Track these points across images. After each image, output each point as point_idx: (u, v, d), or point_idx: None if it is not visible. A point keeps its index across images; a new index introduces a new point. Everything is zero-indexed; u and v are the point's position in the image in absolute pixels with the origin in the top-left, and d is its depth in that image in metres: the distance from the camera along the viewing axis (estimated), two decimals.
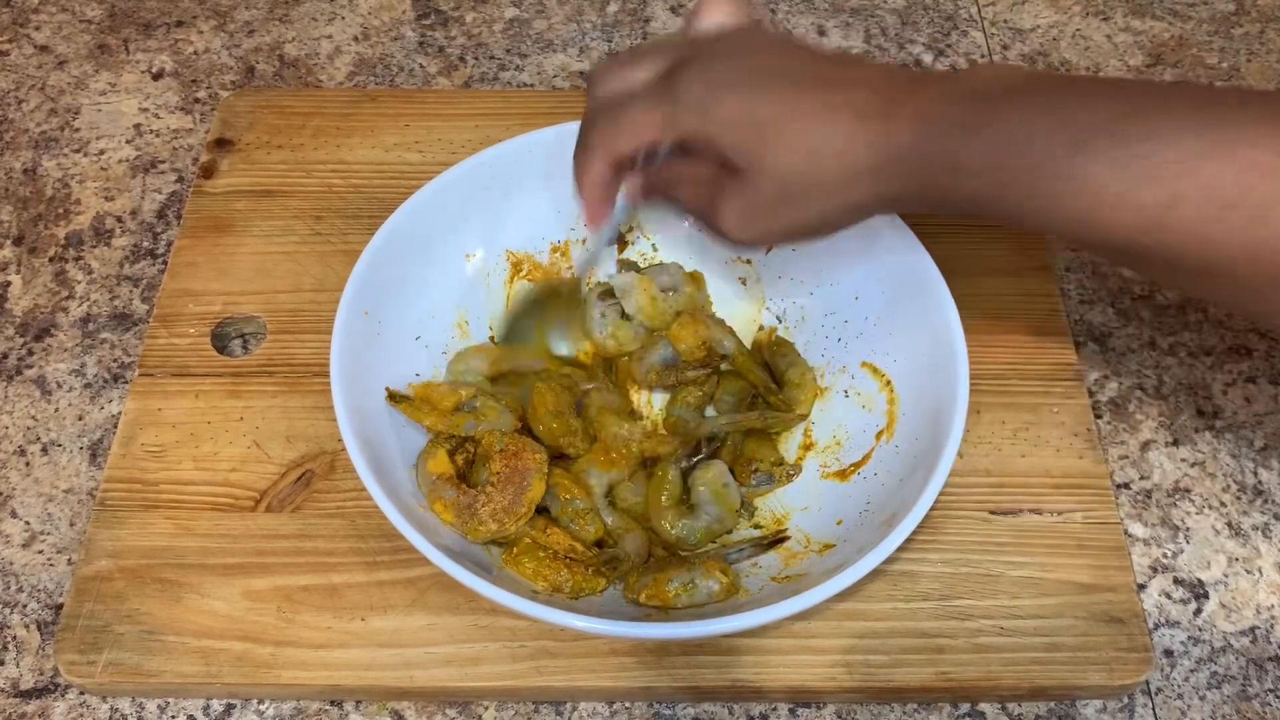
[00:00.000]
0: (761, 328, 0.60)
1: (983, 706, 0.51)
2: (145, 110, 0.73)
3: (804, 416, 0.57)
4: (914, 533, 0.46)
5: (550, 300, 0.59)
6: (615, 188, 0.51)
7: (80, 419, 0.60)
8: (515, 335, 0.59)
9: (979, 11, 0.78)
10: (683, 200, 0.51)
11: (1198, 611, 0.54)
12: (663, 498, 0.54)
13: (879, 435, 0.54)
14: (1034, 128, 0.42)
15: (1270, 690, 0.52)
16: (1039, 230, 0.43)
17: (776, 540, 0.53)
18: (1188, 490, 0.57)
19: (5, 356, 0.62)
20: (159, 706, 0.51)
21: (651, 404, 0.59)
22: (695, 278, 0.61)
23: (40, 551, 0.56)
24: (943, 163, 0.43)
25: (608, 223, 0.53)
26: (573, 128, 0.58)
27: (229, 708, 0.51)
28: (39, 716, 0.51)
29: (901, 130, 0.44)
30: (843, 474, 0.54)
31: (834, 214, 0.47)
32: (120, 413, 0.58)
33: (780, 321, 0.60)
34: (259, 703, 0.51)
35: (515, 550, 0.51)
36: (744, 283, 0.61)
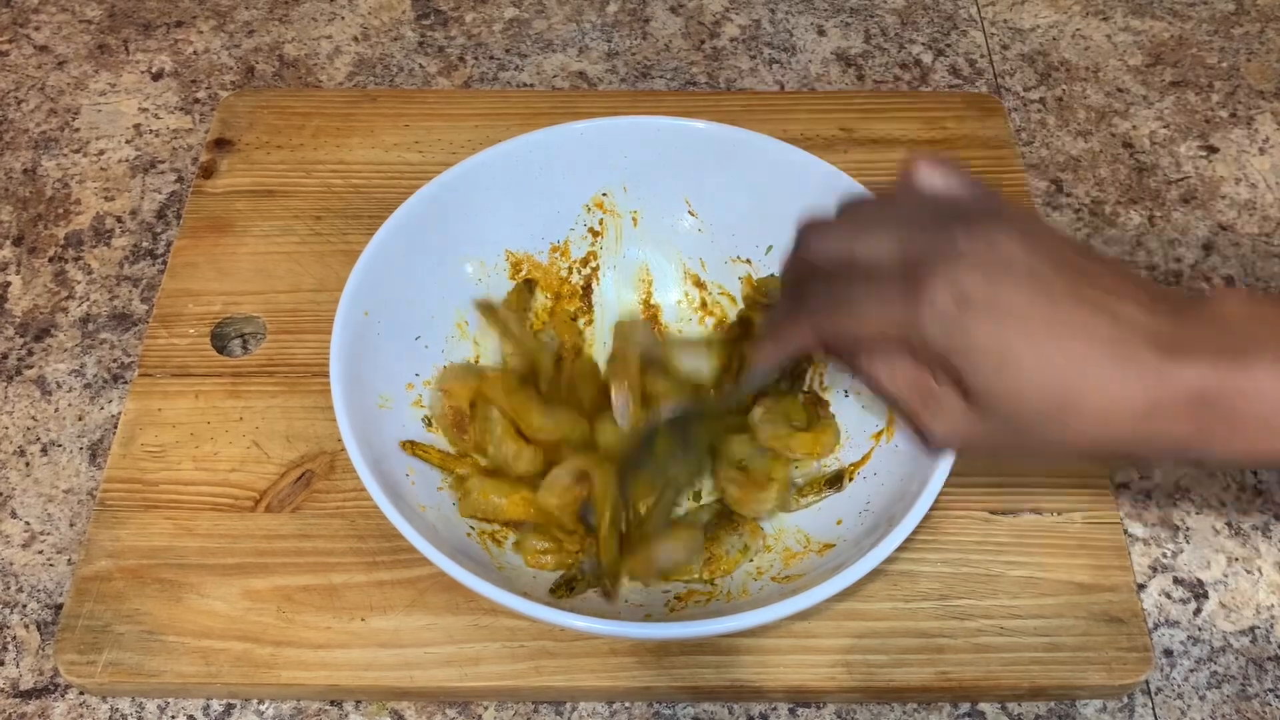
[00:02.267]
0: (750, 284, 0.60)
1: (983, 706, 0.51)
2: (145, 110, 0.73)
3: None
4: (914, 533, 0.46)
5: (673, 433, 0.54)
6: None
7: (80, 419, 0.60)
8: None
9: (979, 11, 0.78)
10: (887, 385, 0.44)
11: (1197, 611, 0.54)
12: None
13: (879, 435, 0.54)
14: None
15: (1270, 690, 0.52)
16: None
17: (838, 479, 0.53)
18: (1187, 490, 0.57)
19: (5, 356, 0.62)
20: (159, 706, 0.51)
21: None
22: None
23: (40, 552, 0.56)
24: (1226, 422, 0.39)
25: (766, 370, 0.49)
26: (574, 128, 0.59)
27: (229, 708, 0.51)
28: (39, 716, 0.51)
29: (1177, 391, 0.39)
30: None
31: (1064, 461, 0.44)
32: (120, 413, 0.58)
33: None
34: (259, 703, 0.51)
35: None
36: (744, 282, 0.61)
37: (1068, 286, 0.41)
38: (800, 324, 0.46)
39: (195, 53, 0.76)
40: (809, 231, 0.46)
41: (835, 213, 0.46)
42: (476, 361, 0.58)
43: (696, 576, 0.52)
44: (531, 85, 0.74)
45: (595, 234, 0.61)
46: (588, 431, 0.55)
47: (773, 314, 0.48)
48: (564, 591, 0.50)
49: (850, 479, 0.54)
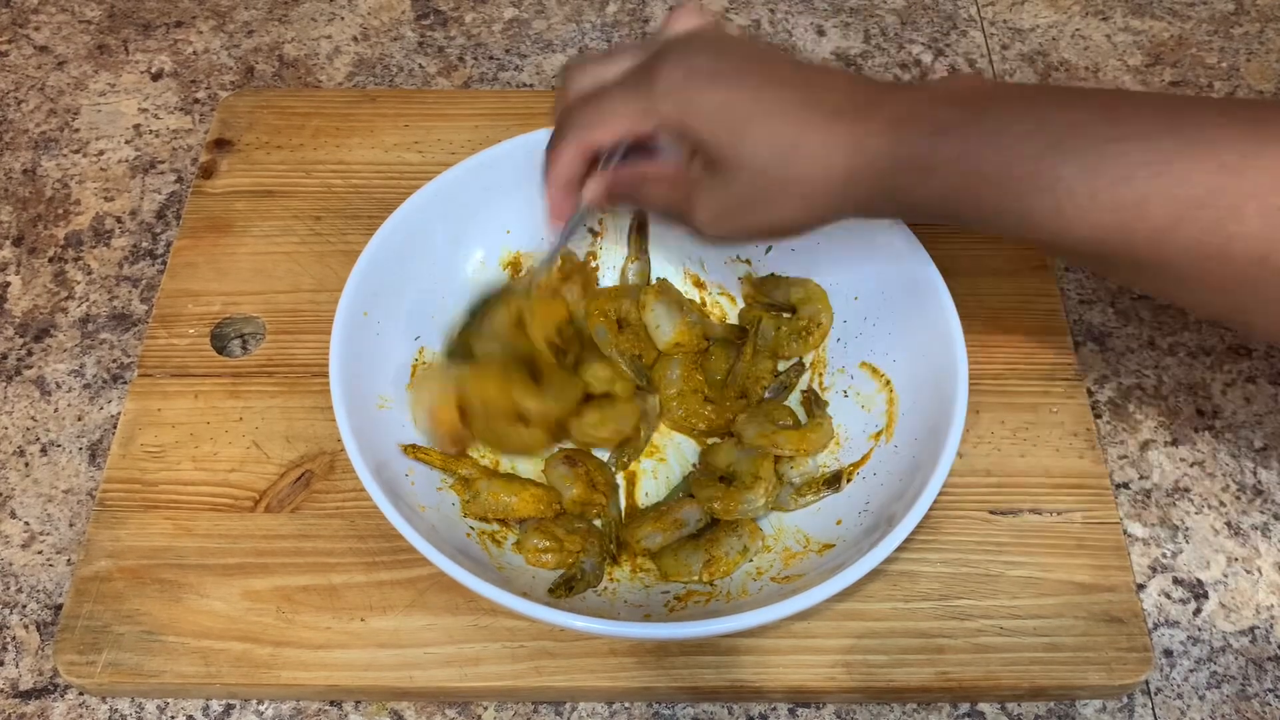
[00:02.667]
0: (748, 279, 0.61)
1: (982, 706, 0.51)
2: (145, 110, 0.73)
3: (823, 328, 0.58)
4: (914, 533, 0.46)
5: (501, 301, 0.56)
6: (581, 185, 0.51)
7: (80, 419, 0.60)
8: (460, 345, 0.56)
9: (979, 11, 0.78)
10: (652, 199, 0.50)
11: (1197, 611, 0.54)
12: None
13: (878, 435, 0.54)
14: (1007, 130, 0.42)
15: (1270, 690, 0.52)
16: (1008, 233, 0.44)
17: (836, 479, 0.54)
18: (1187, 490, 0.57)
19: (5, 357, 0.62)
20: (158, 707, 0.51)
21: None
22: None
23: (40, 552, 0.56)
24: (914, 164, 0.44)
25: (570, 222, 0.52)
26: None
27: (228, 708, 0.51)
28: (39, 717, 0.51)
29: (875, 132, 0.44)
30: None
31: (805, 215, 0.47)
32: (120, 413, 0.58)
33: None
34: (258, 703, 0.51)
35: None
36: (744, 283, 0.61)
37: (787, 68, 0.47)
38: (566, 145, 0.49)
39: (195, 53, 0.76)
40: (569, 69, 0.51)
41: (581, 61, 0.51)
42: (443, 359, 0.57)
43: (696, 578, 0.52)
44: (531, 85, 0.74)
45: (595, 234, 0.61)
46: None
47: (548, 154, 0.51)
48: (563, 591, 0.50)
49: (849, 479, 0.54)
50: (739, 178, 0.46)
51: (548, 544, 0.52)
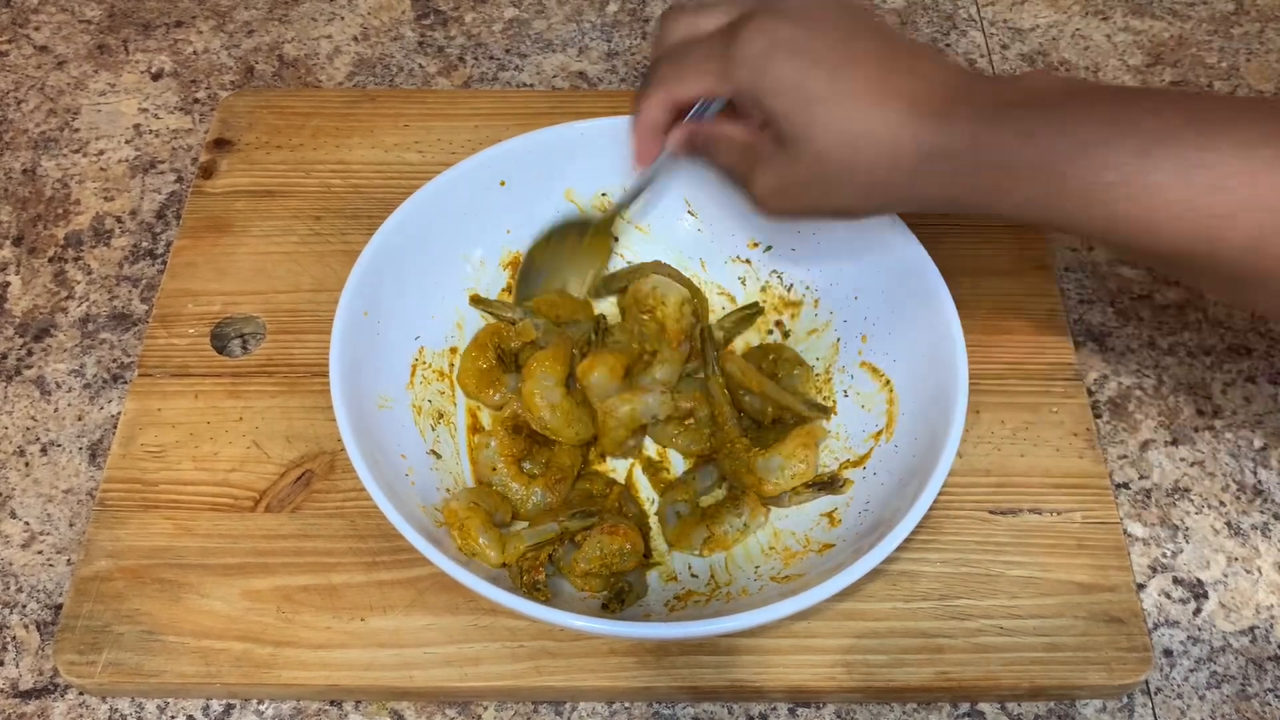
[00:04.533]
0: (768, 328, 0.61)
1: (982, 706, 0.51)
2: (145, 110, 0.73)
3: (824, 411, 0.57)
4: (914, 533, 0.46)
5: (570, 235, 0.60)
6: (665, 133, 0.51)
7: (80, 419, 0.60)
8: (531, 278, 0.59)
9: (978, 11, 0.78)
10: (720, 158, 0.50)
11: (1197, 611, 0.54)
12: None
13: (878, 435, 0.54)
14: (1097, 134, 0.41)
15: (1270, 690, 0.52)
16: (1090, 236, 0.44)
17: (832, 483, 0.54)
18: (1187, 490, 0.57)
19: (5, 356, 0.62)
20: (159, 707, 0.51)
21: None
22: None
23: (40, 552, 0.56)
24: (997, 167, 0.43)
25: (652, 166, 0.53)
26: (574, 127, 0.59)
27: (229, 708, 0.51)
28: (39, 716, 0.51)
29: (954, 133, 0.43)
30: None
31: (865, 204, 0.47)
32: (120, 413, 0.58)
33: (779, 325, 0.60)
34: (259, 703, 0.51)
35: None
36: (743, 282, 0.61)
37: (873, 51, 0.46)
38: (653, 94, 0.50)
39: (195, 53, 0.76)
40: (665, 18, 0.51)
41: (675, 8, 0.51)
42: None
43: (696, 552, 0.52)
44: (531, 85, 0.74)
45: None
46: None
47: (637, 93, 0.52)
48: (616, 605, 0.50)
49: (847, 483, 0.54)
50: (803, 158, 0.46)
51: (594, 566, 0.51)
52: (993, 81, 0.45)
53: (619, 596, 0.50)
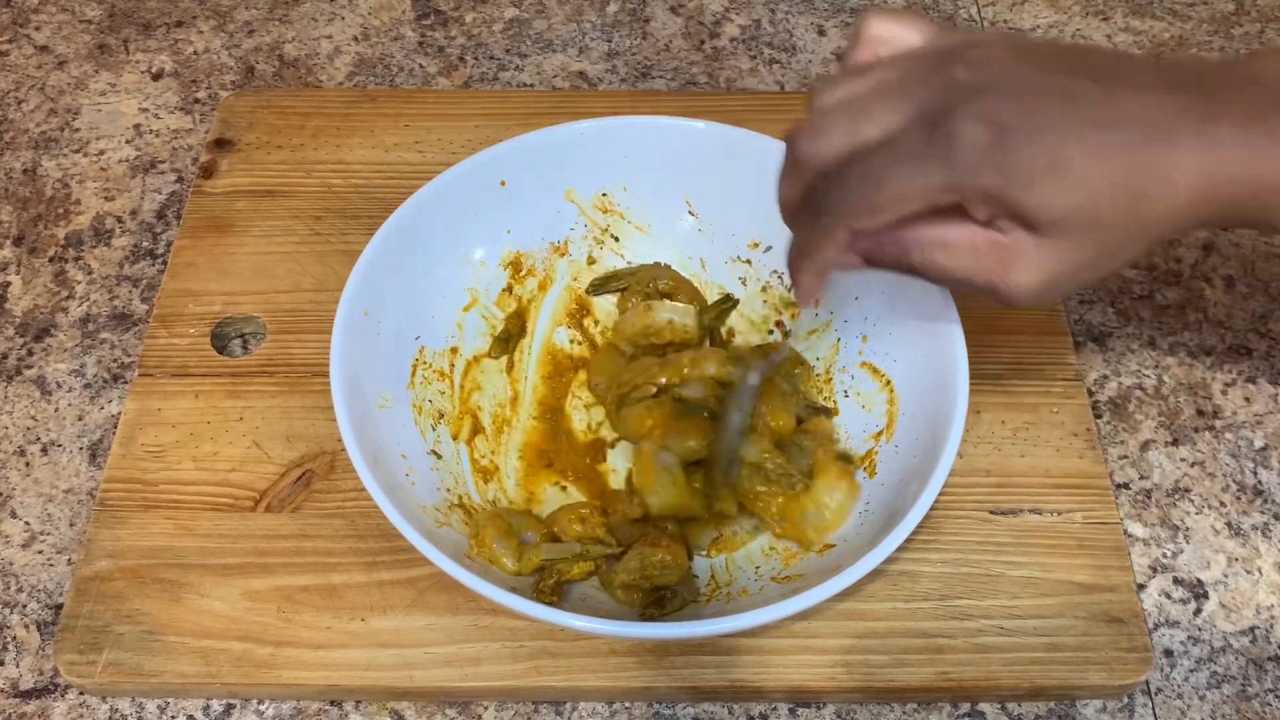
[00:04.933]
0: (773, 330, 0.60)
1: (983, 706, 0.51)
2: (145, 110, 0.73)
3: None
4: (914, 533, 0.46)
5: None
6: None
7: (80, 419, 0.60)
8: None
9: (979, 11, 0.78)
10: (947, 268, 0.42)
11: (1197, 611, 0.54)
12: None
13: (878, 435, 0.54)
14: None
15: (1270, 690, 0.52)
16: None
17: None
18: (1187, 490, 0.57)
19: (5, 356, 0.62)
20: (159, 706, 0.51)
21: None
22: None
23: (40, 552, 0.56)
24: (1277, 182, 0.39)
25: (822, 298, 0.46)
26: (574, 127, 0.59)
27: (229, 708, 0.51)
28: (39, 716, 0.51)
29: (1227, 159, 0.39)
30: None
31: (1147, 251, 0.44)
32: (120, 413, 0.58)
33: (779, 325, 0.60)
34: (259, 703, 0.51)
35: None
36: (744, 283, 0.61)
37: (1089, 85, 0.39)
38: (831, 233, 0.42)
39: (195, 53, 0.76)
40: (799, 138, 0.42)
41: (813, 110, 0.43)
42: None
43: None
44: (531, 85, 0.74)
45: (596, 234, 0.61)
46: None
47: (793, 245, 0.44)
48: (655, 611, 0.50)
49: (836, 413, 0.55)
50: (1079, 240, 0.40)
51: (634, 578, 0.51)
52: (1239, 81, 0.39)
53: (659, 603, 0.50)
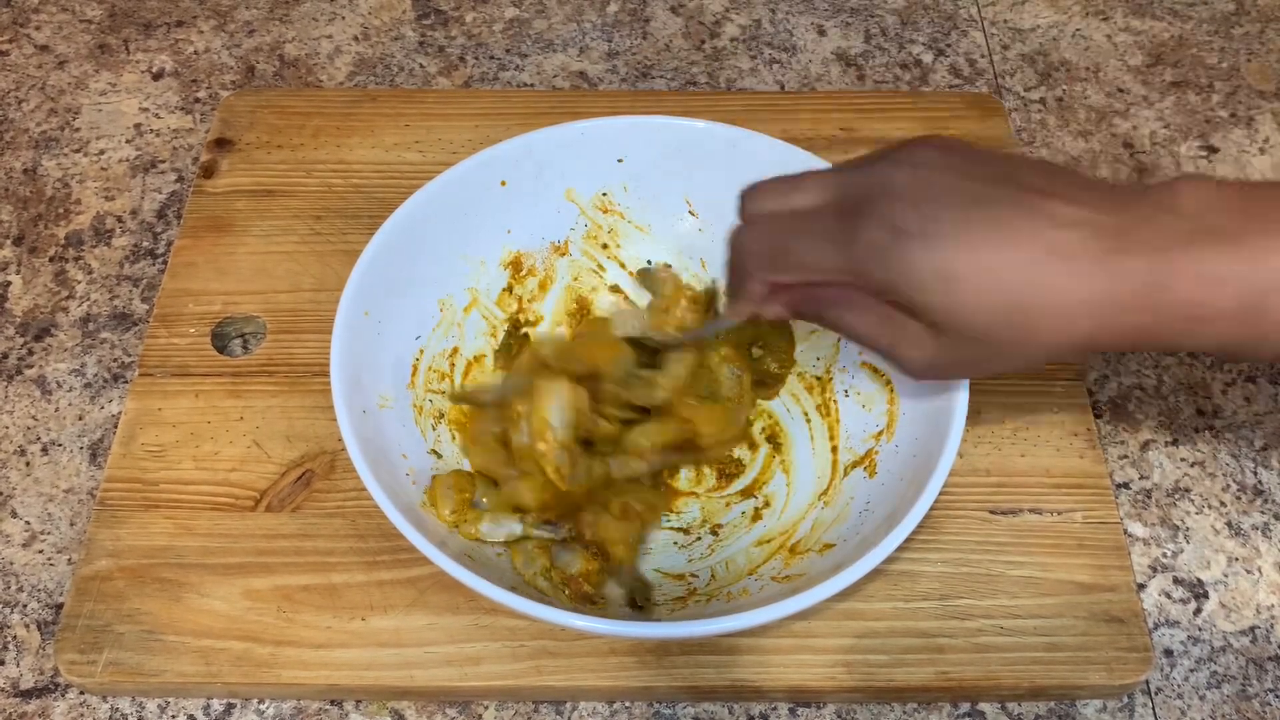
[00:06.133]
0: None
1: (983, 706, 0.51)
2: (145, 110, 0.73)
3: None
4: (914, 533, 0.46)
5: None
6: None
7: (80, 419, 0.60)
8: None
9: (979, 11, 0.78)
10: (851, 327, 0.45)
11: (1197, 611, 0.54)
12: None
13: (879, 435, 0.54)
14: None
15: (1270, 690, 0.52)
16: None
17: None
18: (1187, 490, 0.57)
19: (5, 356, 0.62)
20: (159, 706, 0.51)
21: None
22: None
23: (40, 551, 0.56)
24: (1185, 317, 0.39)
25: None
26: (574, 127, 0.59)
27: (229, 707, 0.51)
28: (39, 716, 0.51)
29: (1127, 295, 0.39)
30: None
31: (1037, 365, 0.45)
32: (120, 413, 0.58)
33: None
34: (259, 702, 0.51)
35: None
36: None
37: (999, 195, 0.41)
38: (752, 281, 0.46)
39: (196, 52, 0.76)
40: (748, 193, 0.47)
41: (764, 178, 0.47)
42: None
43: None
44: (531, 85, 0.74)
45: (596, 234, 0.61)
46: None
47: (729, 278, 0.49)
48: (644, 601, 0.51)
49: (783, 383, 0.58)
50: (962, 341, 0.42)
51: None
52: (1158, 208, 0.40)
53: (635, 602, 0.51)
